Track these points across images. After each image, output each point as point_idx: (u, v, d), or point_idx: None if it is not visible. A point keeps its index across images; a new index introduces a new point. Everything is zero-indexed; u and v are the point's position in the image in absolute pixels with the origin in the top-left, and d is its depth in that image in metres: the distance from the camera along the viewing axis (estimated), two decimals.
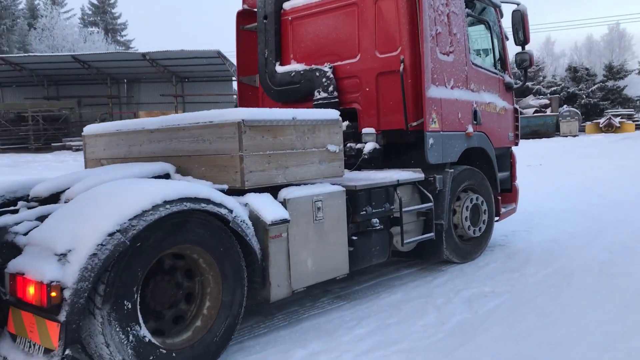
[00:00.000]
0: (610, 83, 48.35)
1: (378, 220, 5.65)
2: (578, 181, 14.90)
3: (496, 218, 7.71)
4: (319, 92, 6.93)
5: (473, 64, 7.18)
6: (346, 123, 6.84)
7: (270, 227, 4.49)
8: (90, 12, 72.22)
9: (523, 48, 7.75)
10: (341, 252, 5.25)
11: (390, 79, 6.48)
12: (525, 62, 7.69)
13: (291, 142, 4.96)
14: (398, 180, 5.94)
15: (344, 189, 5.29)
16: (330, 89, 6.85)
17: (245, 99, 8.00)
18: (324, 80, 6.89)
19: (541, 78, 51.91)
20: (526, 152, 28.46)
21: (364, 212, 5.51)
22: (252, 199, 4.61)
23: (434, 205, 6.38)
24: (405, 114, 6.36)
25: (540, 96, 45.09)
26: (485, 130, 7.26)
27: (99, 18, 71.83)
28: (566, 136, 37.85)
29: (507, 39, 8.08)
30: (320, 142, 5.25)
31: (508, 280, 6.15)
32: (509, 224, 9.07)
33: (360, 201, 5.49)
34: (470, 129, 6.89)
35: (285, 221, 4.61)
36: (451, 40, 6.77)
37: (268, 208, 4.56)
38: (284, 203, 4.73)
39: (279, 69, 7.40)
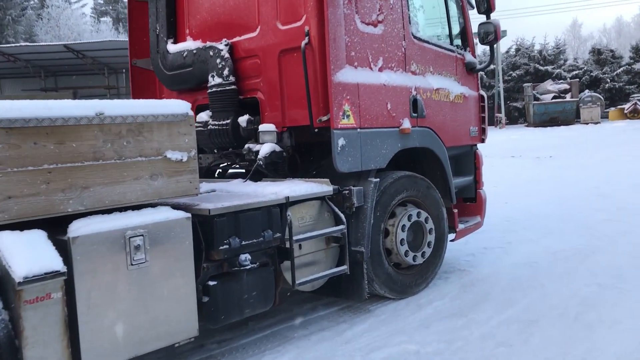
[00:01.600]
0: (637, 66, 45.51)
1: (249, 257, 4.01)
2: (586, 177, 13.03)
3: (451, 236, 6.01)
4: (212, 76, 5.30)
5: (415, 37, 5.47)
6: (246, 117, 5.21)
7: (21, 286, 2.89)
8: (102, 2, 71.34)
9: (488, 17, 6.01)
10: (183, 306, 3.65)
11: (295, 59, 4.83)
12: (490, 35, 5.94)
13: (94, 149, 3.38)
14: (288, 198, 4.29)
15: (189, 215, 3.67)
16: (225, 72, 5.22)
17: (140, 87, 6.39)
18: (218, 61, 5.26)
19: (562, 62, 49.25)
20: (539, 142, 26.62)
21: (227, 247, 3.89)
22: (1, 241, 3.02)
23: (347, 227, 4.73)
24: (310, 106, 4.71)
25: (560, 81, 42.62)
26: (431, 125, 5.56)
27: (110, 7, 70.91)
28: (587, 123, 35.62)
29: (472, 6, 6.32)
30: (154, 147, 3.65)
31: (446, 332, 4.49)
32: (483, 238, 7.37)
33: (219, 231, 3.86)
34: (406, 124, 5.20)
35: (55, 274, 3.01)
36: (380, 5, 5.07)
37: (24, 255, 2.97)
38: (67, 244, 3.14)
39: (171, 48, 5.78)
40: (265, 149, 4.90)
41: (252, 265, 4.02)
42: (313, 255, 4.64)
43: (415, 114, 5.34)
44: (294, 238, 4.31)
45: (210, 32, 5.59)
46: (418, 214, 5.34)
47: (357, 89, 4.76)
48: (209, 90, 5.33)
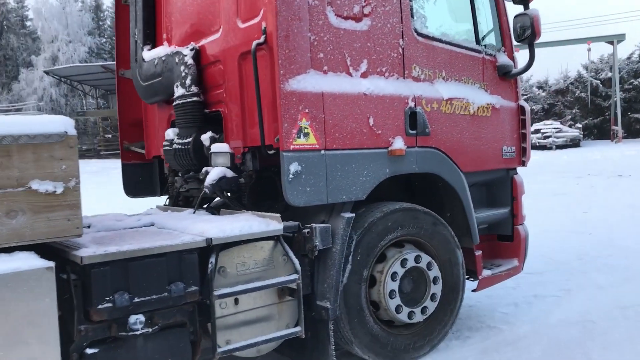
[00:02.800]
0: None
1: (142, 319, 3.09)
2: None
3: (473, 285, 4.75)
4: (177, 86, 4.47)
5: (420, 34, 4.33)
6: (208, 135, 4.33)
7: None
8: None
9: (525, 7, 4.72)
10: None
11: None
12: (527, 31, 4.65)
13: None
14: (211, 240, 3.33)
15: (52, 264, 2.82)
16: (187, 81, 4.36)
17: (127, 101, 5.68)
18: (182, 69, 4.43)
19: None
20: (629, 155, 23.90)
21: (109, 305, 2.99)
22: None
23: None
24: (261, 122, 3.74)
25: None
26: (440, 145, 4.36)
27: None
28: None
29: None
30: (12, 176, 2.86)
31: None
32: (539, 282, 6.03)
33: (98, 284, 2.98)
34: (398, 144, 4.06)
35: None
36: None
37: None
38: None
39: (146, 55, 5.02)
40: (213, 174, 3.97)
41: (146, 330, 3.09)
42: (257, 312, 3.63)
43: (414, 131, 4.18)
44: (218, 292, 3.33)
45: (182, 35, 4.77)
46: (417, 258, 4.17)
47: (322, 100, 3.72)
48: (174, 103, 4.51)
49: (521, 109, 5.06)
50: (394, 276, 4.07)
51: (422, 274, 4.24)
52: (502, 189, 5.10)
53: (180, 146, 4.45)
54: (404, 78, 4.21)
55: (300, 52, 3.66)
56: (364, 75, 3.99)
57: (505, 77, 4.94)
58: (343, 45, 3.89)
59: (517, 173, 5.15)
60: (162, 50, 4.82)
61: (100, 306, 2.97)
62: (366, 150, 3.93)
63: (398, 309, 4.08)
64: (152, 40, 5.12)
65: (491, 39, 4.98)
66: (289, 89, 3.58)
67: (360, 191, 3.90)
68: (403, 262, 4.10)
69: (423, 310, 4.22)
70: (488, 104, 4.74)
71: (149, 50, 5.05)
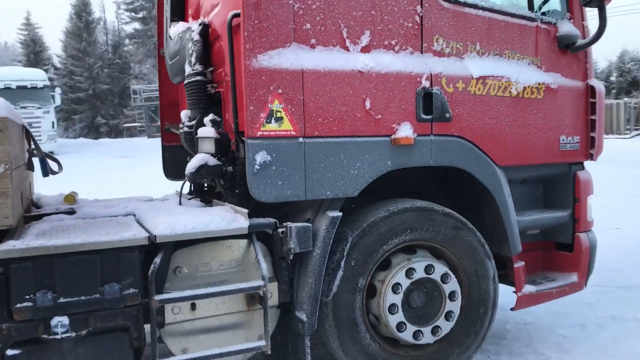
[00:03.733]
0: None
1: (66, 321, 2.80)
2: None
3: (514, 294, 3.95)
4: (187, 64, 4.16)
5: None
6: (210, 117, 3.97)
7: None
8: None
9: None
10: None
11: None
12: None
13: None
14: (154, 238, 2.96)
15: None
16: (193, 59, 4.02)
17: (167, 81, 5.46)
18: (189, 45, 4.10)
19: None
20: None
21: (30, 304, 2.74)
22: None
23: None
24: (235, 103, 3.29)
25: None
26: (465, 132, 3.61)
27: None
28: None
29: None
30: None
31: None
32: (625, 295, 4.99)
33: (19, 281, 2.75)
34: (404, 131, 3.40)
35: None
36: None
37: None
38: None
39: (171, 32, 4.75)
40: (193, 161, 3.59)
41: (69, 334, 2.79)
42: (220, 319, 3.21)
43: (429, 116, 3.48)
44: (159, 297, 2.95)
45: (202, 9, 4.42)
46: (428, 269, 3.50)
47: (301, 79, 3.16)
48: (184, 83, 4.19)
49: (591, 90, 4.09)
50: (396, 288, 3.44)
51: (436, 288, 3.56)
52: (561, 188, 4.19)
53: (187, 129, 4.12)
54: (421, 52, 3.51)
55: (275, 22, 3.13)
56: (366, 50, 3.36)
57: (568, 49, 4.00)
58: (338, 15, 3.29)
59: (583, 168, 4.20)
60: (181, 27, 4.50)
61: (19, 305, 2.73)
62: (360, 138, 3.32)
63: (400, 326, 3.46)
64: (180, 16, 4.83)
65: (554, 4, 4.06)
66: (256, 66, 3.07)
67: (350, 187, 3.31)
68: (409, 273, 3.46)
69: (434, 331, 3.55)
70: (540, 84, 3.86)
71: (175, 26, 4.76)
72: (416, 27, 3.49)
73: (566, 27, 3.97)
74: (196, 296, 3.03)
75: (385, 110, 3.37)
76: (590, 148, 4.12)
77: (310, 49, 3.23)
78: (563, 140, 3.98)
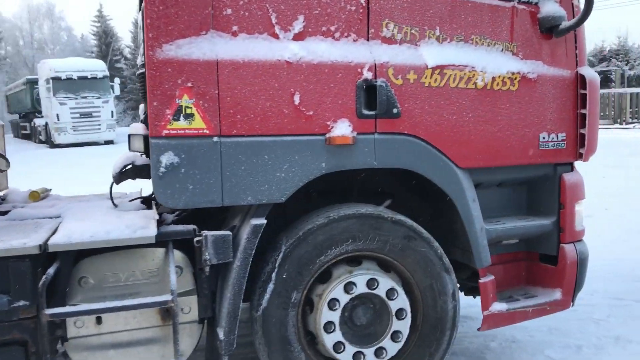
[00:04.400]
0: None
1: None
2: None
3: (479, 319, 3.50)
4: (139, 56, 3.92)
5: None
6: None
7: None
8: None
9: None
10: None
11: None
12: None
13: None
14: (44, 247, 2.72)
15: None
16: (140, 50, 3.77)
17: None
18: (139, 33, 3.84)
19: None
20: None
21: None
22: None
23: (175, 297, 2.90)
24: (146, 97, 3.00)
25: None
26: (418, 130, 3.17)
27: None
28: None
29: None
30: None
31: None
32: (622, 317, 4.41)
33: None
34: (341, 129, 3.01)
35: None
36: None
37: None
38: None
39: None
40: (119, 161, 3.34)
41: None
42: (131, 334, 2.95)
43: (372, 112, 3.07)
44: (49, 311, 2.71)
45: None
46: (370, 283, 3.12)
47: (216, 70, 2.83)
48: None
49: (580, 80, 3.54)
50: (332, 304, 3.09)
51: (382, 305, 3.17)
52: (545, 192, 3.68)
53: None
54: (367, 40, 3.10)
55: (187, 8, 2.80)
56: (299, 37, 2.99)
57: (551, 33, 3.47)
58: None
59: (571, 170, 3.67)
60: None
61: None
62: (288, 137, 2.96)
63: (338, 346, 3.10)
64: None
65: None
66: (160, 57, 2.76)
67: (277, 191, 2.96)
68: (348, 287, 3.09)
69: (378, 353, 3.17)
70: (514, 74, 3.36)
71: None
72: (361, 10, 3.08)
73: (549, 7, 3.43)
74: (92, 310, 2.77)
75: (318, 105, 2.99)
76: (579, 147, 3.58)
77: (231, 37, 2.89)
78: (544, 138, 3.46)
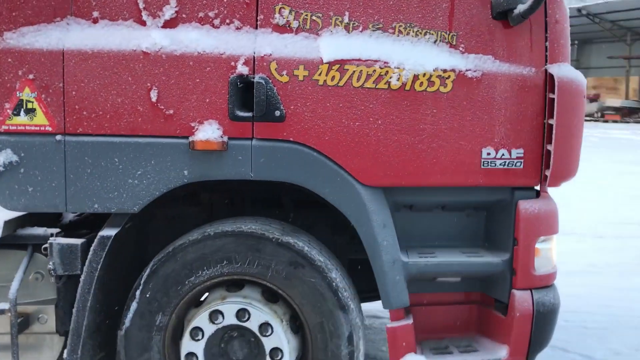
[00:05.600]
0: None
1: None
2: None
3: None
4: None
5: None
6: None
7: None
8: None
9: None
10: None
11: None
12: None
13: None
14: None
15: None
16: None
17: None
18: None
19: None
20: None
21: None
22: None
23: (14, 306, 2.65)
24: None
25: None
26: (310, 138, 2.62)
27: None
28: None
29: None
30: None
31: None
32: None
33: None
34: (207, 133, 2.57)
35: None
36: None
37: None
38: None
39: None
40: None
41: None
42: None
43: (248, 113, 2.59)
44: None
45: None
46: (240, 313, 2.66)
47: (62, 61, 2.54)
48: None
49: (550, 80, 2.71)
50: (195, 333, 2.69)
51: (255, 340, 2.70)
52: (499, 222, 2.90)
53: None
54: (255, 28, 2.62)
55: None
56: (170, 25, 2.60)
57: (505, 20, 2.69)
58: None
59: (536, 196, 2.85)
60: None
61: None
62: (143, 139, 2.59)
63: None
64: None
65: None
66: (0, 46, 2.54)
67: (129, 200, 2.61)
68: (214, 316, 2.67)
69: None
70: (446, 71, 2.64)
71: None
72: None
73: None
74: None
75: (180, 103, 2.58)
76: (544, 167, 2.76)
77: (90, 24, 2.59)
78: (489, 154, 2.71)
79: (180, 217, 3.21)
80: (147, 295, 2.71)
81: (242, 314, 2.66)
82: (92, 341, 2.78)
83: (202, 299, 2.85)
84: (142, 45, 2.55)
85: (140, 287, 2.71)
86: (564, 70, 2.69)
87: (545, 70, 2.71)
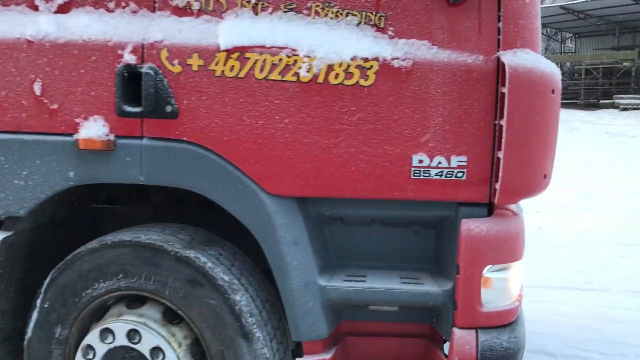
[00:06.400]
0: None
1: None
2: None
3: None
4: None
5: None
6: None
7: None
8: None
9: None
10: None
11: None
12: None
13: None
14: None
15: None
16: None
17: None
18: None
19: None
20: None
21: None
22: None
23: None
24: None
25: None
26: (205, 138, 2.26)
27: None
28: None
29: None
30: None
31: None
32: None
33: None
34: (90, 130, 2.28)
35: None
36: None
37: None
38: None
39: None
40: None
41: None
42: None
43: (136, 109, 2.28)
44: None
45: None
46: (131, 334, 2.37)
47: None
48: None
49: (502, 70, 2.16)
50: (87, 352, 2.43)
51: None
52: (445, 245, 2.39)
53: None
54: (152, 11, 2.30)
55: None
56: (65, 9, 2.34)
57: None
58: None
59: (486, 215, 2.30)
60: None
61: None
62: (28, 135, 2.35)
63: None
64: None
65: None
66: None
67: (15, 202, 2.39)
68: (104, 335, 2.39)
69: None
70: (367, 60, 2.18)
71: None
72: None
73: None
74: None
75: (65, 97, 2.31)
76: (495, 180, 2.22)
77: None
78: (421, 162, 2.21)
79: (129, 218, 2.96)
80: (46, 306, 2.49)
81: (133, 334, 2.36)
82: (8, 347, 2.61)
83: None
84: (26, 32, 2.30)
85: (41, 296, 2.49)
86: (521, 58, 2.13)
87: (498, 58, 2.17)
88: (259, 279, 2.50)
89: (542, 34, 43.00)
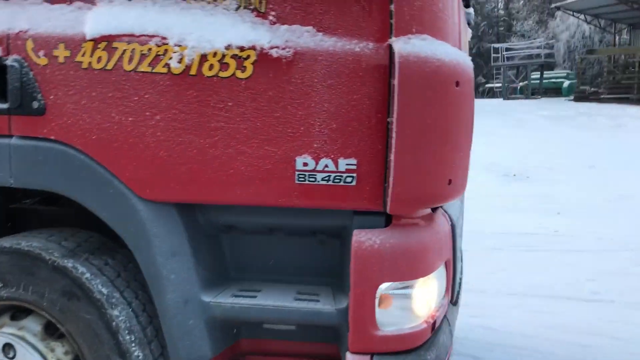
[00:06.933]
0: None
1: None
2: None
3: None
4: None
5: None
6: None
7: None
8: None
9: None
10: None
11: None
12: None
13: None
14: None
15: None
16: None
17: None
18: None
19: None
20: None
21: None
22: None
23: None
24: None
25: None
26: (73, 137, 2.06)
27: None
28: None
29: None
30: None
31: None
32: None
33: None
34: None
35: None
36: None
37: None
38: None
39: None
40: None
41: None
42: None
43: (4, 105, 2.10)
44: None
45: None
46: (5, 349, 2.21)
47: None
48: None
49: (390, 60, 1.87)
50: None
51: None
52: (347, 257, 2.11)
53: None
54: None
55: None
56: None
57: None
58: None
59: (384, 225, 2.01)
60: None
61: None
62: None
63: None
64: None
65: None
66: None
67: None
68: None
69: None
70: (244, 49, 1.92)
71: None
72: None
73: None
74: None
75: None
76: (387, 186, 1.93)
77: None
78: (305, 165, 1.94)
79: (56, 219, 2.81)
80: None
81: (7, 349, 2.19)
82: None
83: None
84: None
85: None
86: (415, 46, 1.84)
87: (390, 46, 1.88)
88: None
89: (595, 25, 41.46)
